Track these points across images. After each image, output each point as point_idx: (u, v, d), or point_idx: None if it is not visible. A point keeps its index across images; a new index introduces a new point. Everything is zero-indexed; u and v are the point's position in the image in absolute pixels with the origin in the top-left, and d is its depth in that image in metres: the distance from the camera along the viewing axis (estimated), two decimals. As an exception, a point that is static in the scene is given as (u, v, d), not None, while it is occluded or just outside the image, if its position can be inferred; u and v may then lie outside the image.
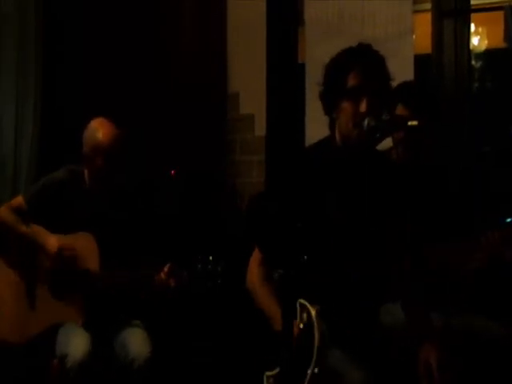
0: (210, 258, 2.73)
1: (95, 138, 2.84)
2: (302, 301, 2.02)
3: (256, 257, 2.32)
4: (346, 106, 2.17)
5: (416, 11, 3.50)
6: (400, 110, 2.71)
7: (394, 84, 2.27)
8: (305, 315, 2.00)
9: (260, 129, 3.86)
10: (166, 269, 2.77)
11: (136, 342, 2.74)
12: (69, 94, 3.91)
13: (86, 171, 2.94)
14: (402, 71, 3.28)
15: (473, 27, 3.61)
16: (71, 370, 2.61)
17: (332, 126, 2.28)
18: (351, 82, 2.15)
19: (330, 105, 2.24)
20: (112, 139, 2.84)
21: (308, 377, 1.94)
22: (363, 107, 2.13)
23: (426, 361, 2.02)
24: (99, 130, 2.86)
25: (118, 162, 2.88)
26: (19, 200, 2.95)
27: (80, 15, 3.96)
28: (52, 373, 2.74)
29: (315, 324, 1.97)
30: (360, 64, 2.16)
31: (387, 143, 2.50)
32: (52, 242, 2.82)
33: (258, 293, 2.27)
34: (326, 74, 2.25)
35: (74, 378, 2.61)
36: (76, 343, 2.66)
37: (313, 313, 1.98)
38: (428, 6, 3.49)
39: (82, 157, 2.89)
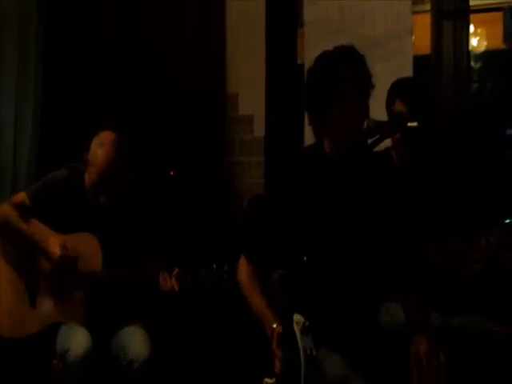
0: (214, 266, 2.73)
1: (96, 154, 2.86)
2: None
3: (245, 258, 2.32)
4: (339, 112, 2.11)
5: (415, 12, 3.50)
6: (398, 105, 2.72)
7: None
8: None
9: (259, 129, 3.86)
10: (174, 273, 2.77)
11: (136, 342, 2.74)
12: (69, 94, 3.92)
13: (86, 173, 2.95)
14: (401, 72, 3.30)
15: (472, 28, 3.61)
16: (72, 364, 2.61)
17: (319, 135, 2.23)
18: (343, 88, 2.09)
19: (318, 114, 2.18)
20: (109, 161, 2.84)
21: None
22: (360, 110, 2.10)
23: (416, 350, 2.00)
24: (103, 146, 2.86)
25: (112, 180, 2.88)
26: (21, 196, 2.94)
27: (81, 15, 3.97)
28: (52, 371, 2.73)
29: (299, 342, 1.87)
30: (349, 68, 2.11)
31: (385, 144, 2.50)
32: (55, 246, 2.80)
33: (246, 287, 2.26)
34: (312, 83, 2.19)
35: (75, 374, 2.61)
36: (77, 339, 2.66)
37: (296, 329, 1.87)
38: (427, 6, 3.49)
39: (84, 160, 2.91)
